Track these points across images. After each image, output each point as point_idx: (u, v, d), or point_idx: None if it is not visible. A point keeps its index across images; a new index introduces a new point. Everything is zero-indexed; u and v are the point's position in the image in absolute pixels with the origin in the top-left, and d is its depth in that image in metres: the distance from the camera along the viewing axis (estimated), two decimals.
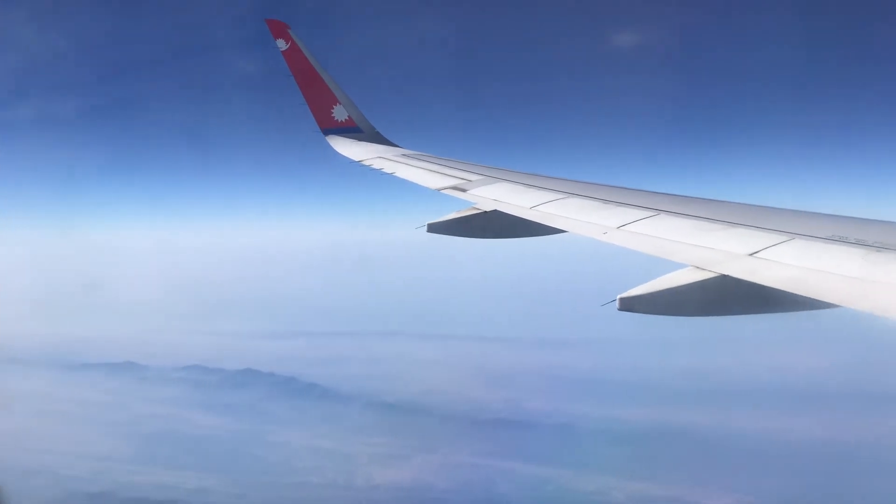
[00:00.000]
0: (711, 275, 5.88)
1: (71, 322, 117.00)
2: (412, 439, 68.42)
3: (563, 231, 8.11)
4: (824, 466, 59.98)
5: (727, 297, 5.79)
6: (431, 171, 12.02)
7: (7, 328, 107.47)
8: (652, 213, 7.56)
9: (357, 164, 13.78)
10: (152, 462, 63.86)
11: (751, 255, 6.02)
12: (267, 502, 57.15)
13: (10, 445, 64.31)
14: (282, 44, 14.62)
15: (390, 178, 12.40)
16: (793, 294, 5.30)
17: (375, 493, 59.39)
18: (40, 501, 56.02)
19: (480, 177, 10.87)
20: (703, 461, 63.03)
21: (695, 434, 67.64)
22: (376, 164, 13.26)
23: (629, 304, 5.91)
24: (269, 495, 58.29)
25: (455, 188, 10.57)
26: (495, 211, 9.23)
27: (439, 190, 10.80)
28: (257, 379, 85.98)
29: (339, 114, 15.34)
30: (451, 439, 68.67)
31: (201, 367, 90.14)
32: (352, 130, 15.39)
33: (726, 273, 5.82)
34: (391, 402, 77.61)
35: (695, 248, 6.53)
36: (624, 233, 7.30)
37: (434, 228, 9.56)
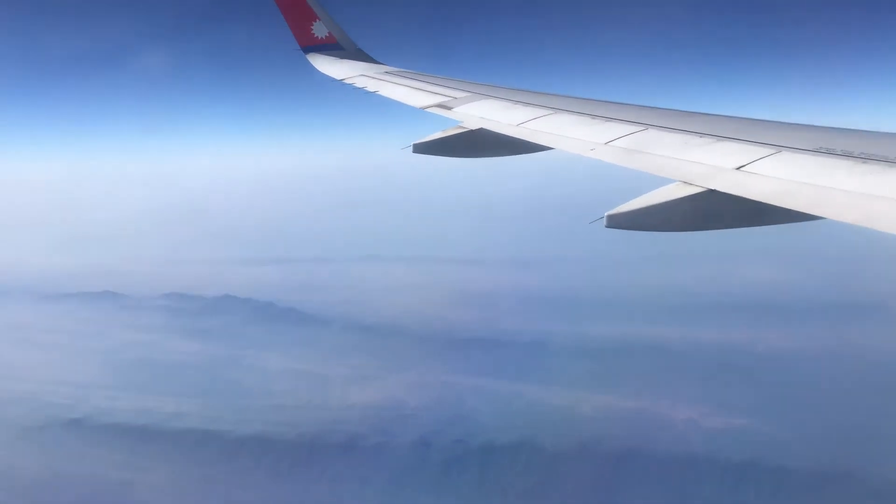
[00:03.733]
0: (699, 189, 5.89)
1: (48, 252, 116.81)
2: (387, 360, 69.83)
3: (550, 148, 8.06)
4: (803, 377, 61.67)
5: (714, 211, 5.82)
6: (416, 88, 11.81)
7: None
8: (640, 128, 7.50)
9: (339, 83, 13.51)
10: (131, 388, 65.03)
11: (738, 168, 6.01)
12: (243, 425, 58.56)
13: None
14: None
15: (373, 96, 12.18)
16: (779, 207, 5.33)
17: (350, 412, 60.95)
18: (21, 428, 57.23)
19: (466, 94, 10.71)
20: (674, 375, 64.72)
21: (669, 349, 69.16)
22: (359, 83, 13.00)
23: (616, 221, 5.93)
24: (245, 418, 59.72)
25: (440, 106, 10.41)
26: (481, 129, 9.12)
27: (424, 108, 10.65)
28: (235, 305, 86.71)
29: (319, 30, 14.92)
30: (425, 359, 70.13)
31: (180, 295, 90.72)
32: (333, 48, 15.00)
33: (714, 187, 5.83)
34: (367, 324, 78.67)
35: (682, 162, 6.51)
36: (611, 149, 7.25)
37: (419, 148, 9.46)
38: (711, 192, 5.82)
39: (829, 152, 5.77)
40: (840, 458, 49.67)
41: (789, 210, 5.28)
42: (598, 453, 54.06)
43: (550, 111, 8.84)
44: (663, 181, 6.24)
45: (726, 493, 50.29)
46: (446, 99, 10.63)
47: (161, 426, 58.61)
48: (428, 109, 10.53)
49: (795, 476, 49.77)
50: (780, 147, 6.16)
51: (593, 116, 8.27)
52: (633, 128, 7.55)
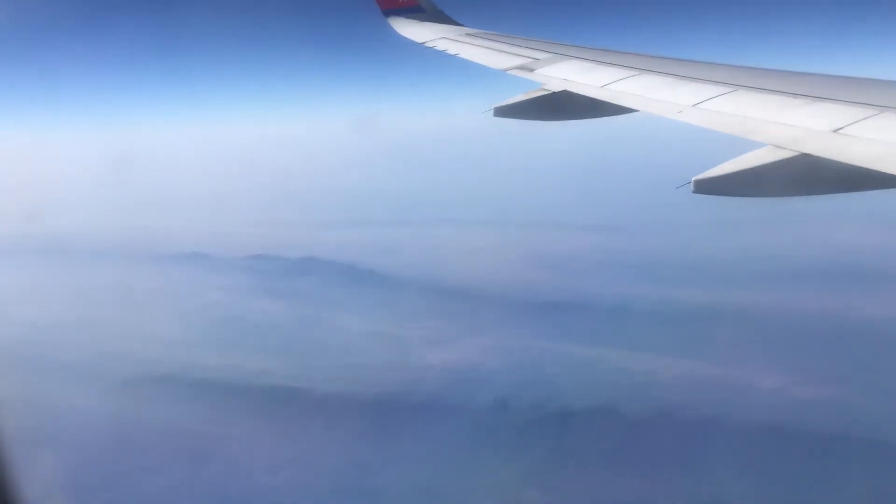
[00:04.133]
0: (792, 153, 5.68)
1: (137, 215, 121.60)
2: (465, 323, 70.08)
3: (635, 111, 7.89)
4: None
5: (808, 177, 5.60)
6: (497, 50, 11.69)
7: (73, 223, 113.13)
8: (730, 89, 7.26)
9: (420, 46, 13.49)
10: (219, 346, 67.44)
11: (835, 131, 5.76)
12: (325, 383, 60.08)
13: (87, 330, 69.22)
14: None
15: (454, 59, 12.13)
16: (880, 172, 5.08)
17: (427, 373, 61.66)
18: (117, 382, 60.32)
19: (548, 55, 10.54)
20: (762, 343, 62.83)
21: (758, 316, 67.02)
22: (440, 46, 12.95)
23: (704, 187, 5.79)
24: (327, 376, 61.18)
25: (522, 68, 10.30)
26: (564, 91, 8.99)
27: (505, 70, 10.55)
28: (318, 267, 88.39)
29: None
30: (503, 322, 70.02)
31: (265, 256, 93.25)
32: (414, 10, 14.96)
33: (808, 152, 5.61)
34: (445, 286, 78.92)
35: (774, 125, 6.28)
36: (700, 111, 7.06)
37: (501, 112, 9.39)
38: (805, 157, 5.60)
39: None
40: None
41: (893, 175, 5.03)
42: (680, 420, 53.29)
43: (636, 72, 8.64)
44: (754, 145, 6.04)
45: (813, 464, 48.95)
46: (528, 60, 10.50)
47: (247, 383, 60.86)
48: (509, 71, 10.44)
49: (887, 449, 48.01)
50: (882, 108, 5.85)
51: (680, 77, 8.04)
52: (721, 89, 7.32)
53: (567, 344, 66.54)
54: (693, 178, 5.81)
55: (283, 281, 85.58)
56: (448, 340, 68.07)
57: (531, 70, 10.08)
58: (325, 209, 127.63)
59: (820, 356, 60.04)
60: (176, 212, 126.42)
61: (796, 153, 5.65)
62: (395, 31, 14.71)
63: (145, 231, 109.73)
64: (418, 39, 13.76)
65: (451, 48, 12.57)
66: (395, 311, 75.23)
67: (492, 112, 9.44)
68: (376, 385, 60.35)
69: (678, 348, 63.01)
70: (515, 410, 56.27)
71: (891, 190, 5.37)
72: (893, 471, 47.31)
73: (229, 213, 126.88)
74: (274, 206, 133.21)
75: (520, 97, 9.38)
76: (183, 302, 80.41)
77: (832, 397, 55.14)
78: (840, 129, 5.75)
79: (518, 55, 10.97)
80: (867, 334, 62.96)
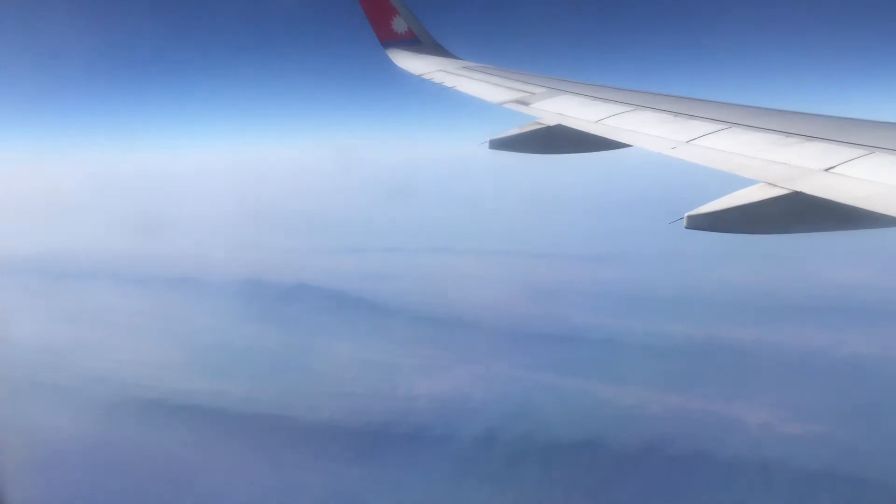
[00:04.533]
0: (784, 191, 5.74)
1: (130, 239, 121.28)
2: (455, 352, 69.91)
3: (629, 145, 7.97)
4: (888, 385, 59.12)
5: (800, 214, 5.66)
6: (494, 83, 11.81)
7: (67, 245, 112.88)
8: (723, 126, 7.36)
9: (417, 78, 13.61)
10: (208, 372, 66.97)
11: (826, 170, 5.84)
12: (313, 411, 59.66)
13: (77, 353, 68.75)
14: None
15: (451, 91, 12.24)
16: (870, 211, 5.15)
17: (416, 402, 61.34)
18: (104, 406, 59.73)
19: (544, 89, 10.66)
20: (751, 378, 62.83)
21: (747, 351, 67.12)
22: (437, 78, 13.07)
23: (697, 222, 5.83)
24: (315, 404, 60.77)
25: (518, 101, 10.40)
26: (559, 125, 9.07)
27: (501, 104, 10.65)
28: (309, 293, 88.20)
29: (399, 26, 15.07)
30: (493, 352, 69.90)
31: (256, 282, 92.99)
32: (412, 43, 15.13)
33: (800, 190, 5.68)
34: (436, 315, 78.78)
35: (767, 163, 6.36)
36: (693, 147, 7.14)
37: (496, 144, 9.46)
38: (797, 195, 5.67)
39: None
40: None
41: (883, 215, 5.09)
42: (667, 455, 53.05)
43: (630, 107, 8.74)
44: (746, 182, 6.10)
45: (799, 501, 48.72)
46: (524, 94, 10.61)
47: (234, 409, 60.32)
48: (505, 105, 10.53)
49: (874, 488, 47.81)
50: (872, 148, 5.94)
51: (675, 114, 8.14)
52: (715, 126, 7.41)
53: (556, 375, 66.33)
54: (686, 214, 5.85)
55: (273, 307, 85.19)
56: (438, 369, 67.76)
57: (526, 104, 10.19)
58: (318, 236, 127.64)
59: (808, 393, 60.05)
60: (168, 235, 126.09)
61: (789, 191, 5.72)
62: (394, 63, 14.84)
63: (137, 254, 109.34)
64: (416, 71, 13.90)
65: (449, 81, 12.70)
66: (385, 339, 74.90)
67: (487, 144, 9.51)
68: (365, 414, 59.88)
69: (666, 382, 62.93)
70: (503, 442, 55.90)
71: (881, 229, 5.44)
72: None
73: (222, 237, 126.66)
74: (267, 231, 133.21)
75: (515, 130, 9.45)
76: (173, 326, 79.88)
77: (819, 434, 55.06)
78: (832, 168, 5.83)
79: (514, 89, 11.08)
80: (855, 371, 63.08)
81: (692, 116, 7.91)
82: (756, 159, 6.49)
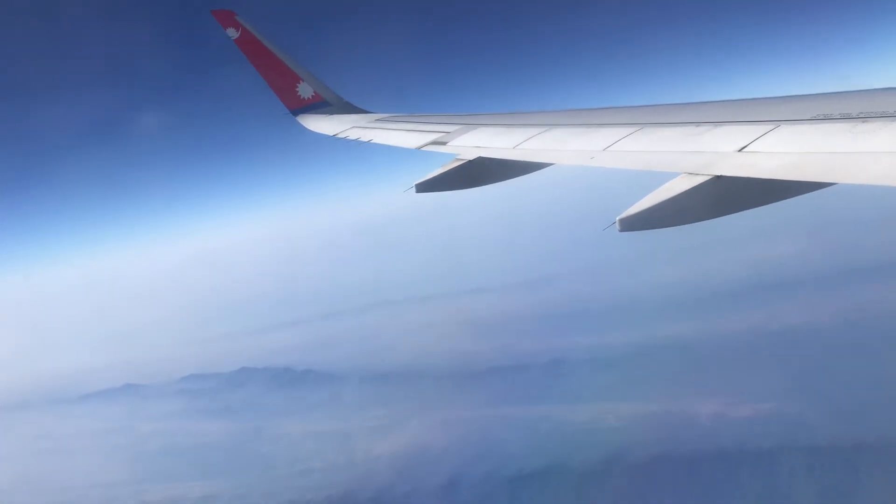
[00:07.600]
0: (705, 178, 5.91)
1: (62, 356, 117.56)
2: (408, 405, 69.51)
3: (550, 164, 8.10)
4: (824, 351, 60.82)
5: (724, 196, 5.83)
6: (408, 130, 11.93)
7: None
8: (636, 129, 7.56)
9: (332, 139, 13.64)
10: (159, 479, 64.74)
11: (740, 150, 6.05)
12: (272, 497, 58.15)
13: (20, 490, 65.40)
14: (232, 32, 14.30)
15: (369, 145, 12.30)
16: (786, 181, 5.34)
17: (376, 464, 60.44)
18: None
19: (458, 126, 10.80)
20: (696, 371, 64.03)
21: (688, 345, 68.55)
22: (352, 135, 13.13)
23: (629, 224, 5.93)
24: (273, 489, 59.31)
25: (435, 143, 10.51)
26: (479, 157, 9.19)
27: (420, 148, 10.73)
28: (253, 376, 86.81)
29: (305, 91, 15.12)
30: (445, 398, 69.78)
31: (197, 376, 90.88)
32: (321, 106, 15.19)
33: (719, 174, 5.85)
34: (385, 372, 78.40)
35: (684, 154, 6.55)
36: (611, 153, 7.30)
37: (422, 188, 9.51)
38: (718, 179, 5.84)
39: (828, 118, 5.82)
40: (870, 427, 48.75)
41: (798, 182, 5.29)
42: (629, 464, 53.40)
43: (544, 128, 8.91)
44: (668, 176, 6.25)
45: (760, 481, 49.38)
46: (440, 135, 10.72)
47: None
48: (424, 148, 10.62)
49: (828, 453, 48.89)
50: (777, 122, 6.19)
51: (588, 125, 8.34)
52: (628, 129, 7.61)
53: (510, 406, 66.29)
54: (617, 218, 5.95)
55: (218, 397, 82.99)
56: (394, 426, 66.87)
57: (444, 143, 10.29)
58: (251, 316, 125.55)
59: (752, 374, 61.39)
60: (101, 346, 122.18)
61: (709, 176, 5.89)
62: (306, 129, 14.85)
63: (71, 370, 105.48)
64: (330, 132, 13.92)
65: (364, 135, 12.76)
66: (337, 407, 73.72)
67: (413, 189, 9.54)
68: (325, 487, 58.37)
69: (618, 390, 63.51)
70: (468, 485, 55.20)
71: (799, 197, 5.65)
72: (836, 473, 48.01)
73: (154, 337, 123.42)
74: (199, 322, 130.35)
75: (437, 171, 9.52)
76: (118, 438, 76.93)
77: (770, 411, 56.15)
78: (744, 147, 6.04)
79: (429, 131, 11.19)
80: (795, 342, 64.77)
81: (605, 125, 8.12)
82: (673, 153, 6.68)
